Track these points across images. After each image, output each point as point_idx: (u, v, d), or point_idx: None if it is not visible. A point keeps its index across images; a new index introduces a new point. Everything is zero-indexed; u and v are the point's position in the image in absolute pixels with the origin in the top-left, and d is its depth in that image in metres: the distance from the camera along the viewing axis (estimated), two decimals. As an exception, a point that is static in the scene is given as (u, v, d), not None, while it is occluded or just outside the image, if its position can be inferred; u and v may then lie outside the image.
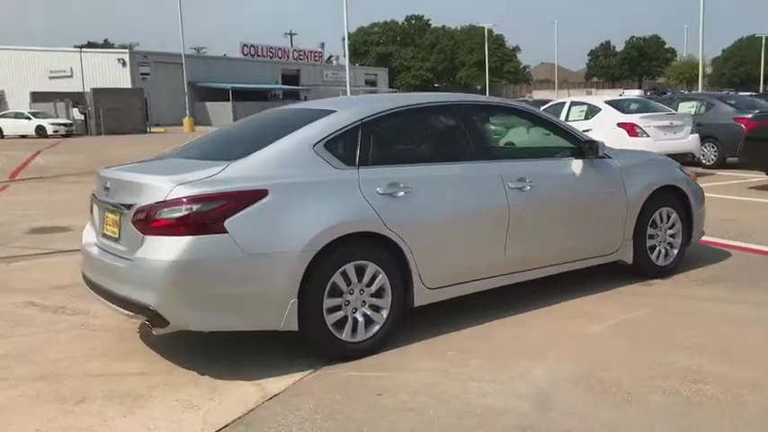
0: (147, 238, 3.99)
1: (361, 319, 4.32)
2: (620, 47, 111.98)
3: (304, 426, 3.46)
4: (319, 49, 77.70)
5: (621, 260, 5.72)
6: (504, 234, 4.90)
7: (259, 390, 3.90)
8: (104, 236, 4.52)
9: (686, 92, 52.96)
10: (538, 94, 76.29)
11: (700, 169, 13.61)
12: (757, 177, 12.35)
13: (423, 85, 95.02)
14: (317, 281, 4.11)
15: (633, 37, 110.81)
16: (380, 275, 4.34)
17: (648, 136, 12.84)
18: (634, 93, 54.32)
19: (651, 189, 5.73)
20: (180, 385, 3.99)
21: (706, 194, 6.45)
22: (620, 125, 13.29)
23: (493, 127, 6.36)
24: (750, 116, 13.52)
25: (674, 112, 14.60)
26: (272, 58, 67.36)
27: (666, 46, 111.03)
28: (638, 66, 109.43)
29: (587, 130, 14.10)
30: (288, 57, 70.01)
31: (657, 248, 5.85)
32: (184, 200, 3.92)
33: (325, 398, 3.78)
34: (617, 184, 5.58)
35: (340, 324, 4.24)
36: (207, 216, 3.91)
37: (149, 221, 3.97)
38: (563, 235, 5.29)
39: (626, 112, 13.81)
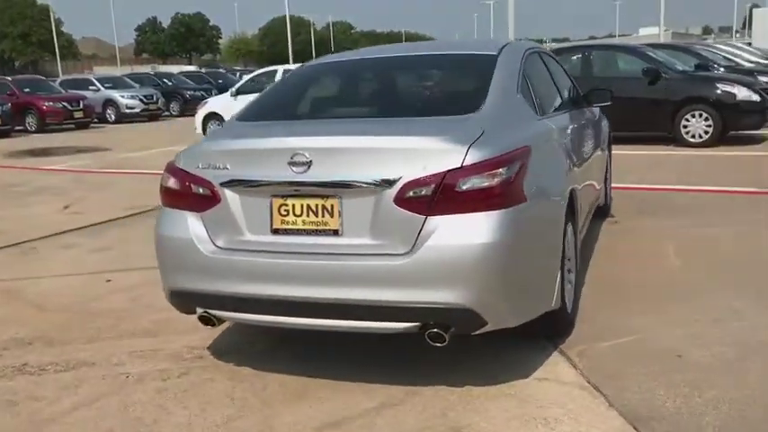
0: (434, 220, 2.97)
1: (569, 285, 3.83)
2: (167, 23, 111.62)
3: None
4: None
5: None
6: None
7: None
8: (286, 231, 3.20)
9: (245, 68, 54.94)
10: (98, 70, 71.08)
11: None
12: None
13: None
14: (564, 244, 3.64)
15: (178, 13, 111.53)
16: (569, 230, 3.82)
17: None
18: (189, 68, 54.38)
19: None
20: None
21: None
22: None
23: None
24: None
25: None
26: None
27: (211, 23, 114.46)
28: (186, 42, 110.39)
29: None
30: None
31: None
32: (488, 164, 2.98)
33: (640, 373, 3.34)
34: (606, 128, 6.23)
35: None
36: (512, 183, 3.05)
37: (442, 197, 2.95)
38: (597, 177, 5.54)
39: None
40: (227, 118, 15.07)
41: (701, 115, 10.97)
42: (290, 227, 3.18)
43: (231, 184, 3.23)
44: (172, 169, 3.47)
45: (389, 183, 2.99)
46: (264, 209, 3.21)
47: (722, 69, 13.67)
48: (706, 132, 10.99)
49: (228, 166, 3.24)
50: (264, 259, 3.19)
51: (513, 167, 3.05)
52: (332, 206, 3.10)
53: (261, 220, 3.23)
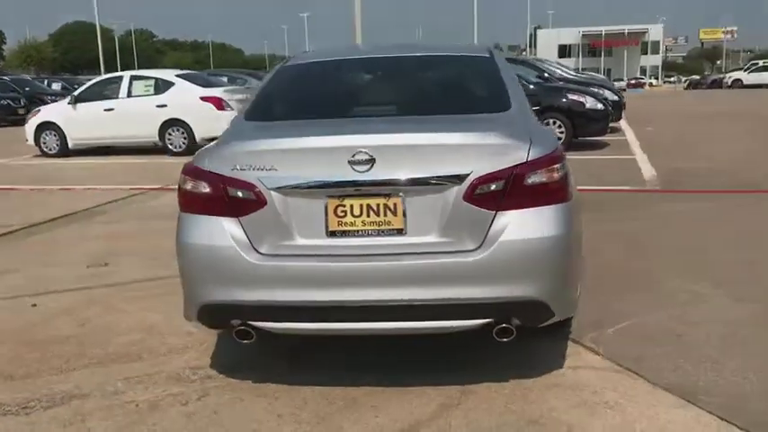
0: (505, 215, 2.97)
1: None
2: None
3: None
4: None
5: None
6: None
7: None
8: (343, 233, 3.03)
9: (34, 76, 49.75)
10: None
11: (169, 158, 13.04)
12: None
13: None
14: None
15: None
16: None
17: (233, 109, 12.82)
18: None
19: None
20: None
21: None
22: (204, 99, 12.90)
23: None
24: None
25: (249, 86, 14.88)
26: None
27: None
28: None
29: (163, 105, 13.24)
30: None
31: None
32: (547, 160, 3.05)
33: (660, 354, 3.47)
34: None
35: None
36: (566, 178, 3.13)
37: (511, 191, 2.97)
38: None
39: (204, 86, 13.40)
40: (65, 127, 13.89)
41: (554, 122, 11.88)
42: (348, 228, 3.03)
43: (282, 185, 3.02)
44: (197, 172, 3.15)
45: (459, 179, 2.95)
46: (318, 211, 3.03)
47: (561, 81, 14.89)
48: (559, 138, 11.89)
49: (277, 167, 3.02)
50: (321, 263, 3.01)
51: (565, 163, 3.15)
52: (395, 205, 3.00)
53: (314, 222, 3.04)
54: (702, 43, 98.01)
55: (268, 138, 3.16)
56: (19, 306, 4.71)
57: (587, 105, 11.86)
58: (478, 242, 2.98)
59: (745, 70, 52.20)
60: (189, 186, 3.19)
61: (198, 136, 13.10)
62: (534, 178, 3.00)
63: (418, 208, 3.00)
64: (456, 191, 2.96)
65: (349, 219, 3.02)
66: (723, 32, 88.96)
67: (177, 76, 13.84)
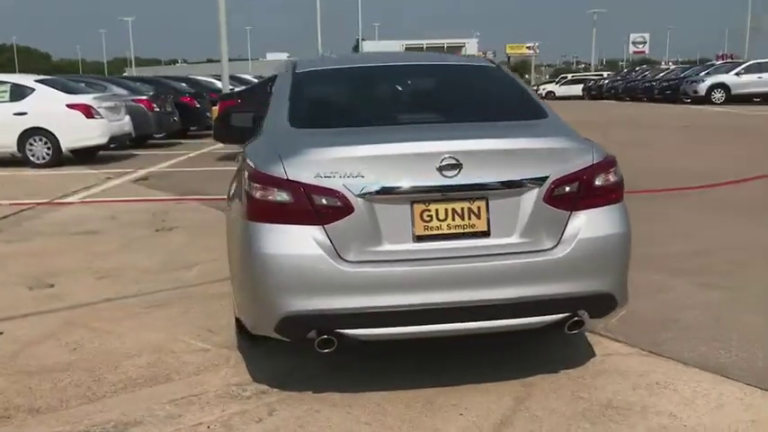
0: (579, 215, 3.18)
1: None
2: None
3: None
4: None
5: None
6: None
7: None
8: (430, 237, 3.09)
9: None
10: None
11: (31, 170, 12.27)
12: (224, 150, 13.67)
13: None
14: None
15: None
16: None
17: (102, 117, 11.98)
18: None
19: None
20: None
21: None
22: (71, 106, 11.87)
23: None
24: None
25: (120, 93, 13.89)
26: None
27: None
28: None
29: (23, 113, 12.09)
30: None
31: None
32: (608, 162, 3.30)
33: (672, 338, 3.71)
34: None
35: None
36: (622, 179, 3.38)
37: (584, 192, 3.18)
38: None
39: (69, 92, 12.31)
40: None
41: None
42: (434, 232, 3.08)
43: (369, 192, 3.02)
44: (274, 180, 3.05)
45: (540, 181, 3.12)
46: (404, 216, 3.06)
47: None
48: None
49: (364, 174, 3.01)
50: (410, 268, 3.04)
51: (618, 166, 3.41)
52: (479, 208, 3.10)
53: (400, 227, 3.06)
54: (509, 57, 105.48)
55: (353, 145, 3.13)
56: (-19, 335, 4.22)
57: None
58: (555, 241, 3.16)
59: (557, 83, 56.82)
60: (265, 195, 3.08)
61: (64, 146, 12.17)
62: (600, 180, 3.23)
63: (501, 210, 3.12)
64: (536, 193, 3.12)
65: (435, 223, 3.09)
66: (527, 48, 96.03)
67: (37, 81, 12.70)
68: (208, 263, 5.70)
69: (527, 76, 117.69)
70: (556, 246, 3.16)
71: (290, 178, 3.04)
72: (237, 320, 3.81)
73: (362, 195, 3.02)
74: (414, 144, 3.11)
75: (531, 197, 3.13)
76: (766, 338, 3.89)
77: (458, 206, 3.10)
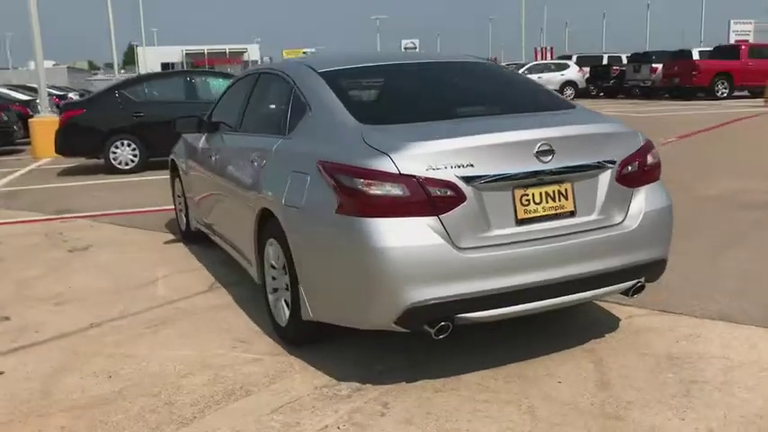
0: (639, 191, 3.61)
1: None
2: None
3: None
4: None
5: None
6: None
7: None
8: (529, 220, 3.33)
9: None
10: None
11: None
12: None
13: None
14: None
15: None
16: None
17: None
18: None
19: None
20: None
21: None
22: None
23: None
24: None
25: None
26: None
27: None
28: None
29: None
30: None
31: None
32: (649, 144, 3.76)
33: (687, 304, 4.17)
34: None
35: None
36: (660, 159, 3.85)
37: (641, 171, 3.62)
38: None
39: None
40: None
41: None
42: (532, 215, 3.31)
43: (479, 180, 3.16)
44: (385, 175, 3.09)
45: (612, 163, 3.48)
46: (506, 201, 3.26)
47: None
48: None
49: (473, 164, 3.16)
50: (516, 250, 3.25)
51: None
52: (566, 190, 3.38)
53: (504, 212, 3.26)
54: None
55: (459, 136, 3.24)
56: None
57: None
58: (623, 216, 3.54)
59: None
60: (376, 190, 3.11)
61: None
62: (649, 159, 3.68)
63: (583, 191, 3.43)
64: (610, 173, 3.49)
65: (532, 206, 3.32)
66: (303, 53, 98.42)
67: None
68: (167, 277, 5.40)
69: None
70: (624, 220, 3.53)
71: (402, 172, 3.11)
72: (279, 327, 3.96)
73: (473, 184, 3.18)
74: (514, 133, 3.32)
75: (605, 177, 3.48)
76: (740, 287, 4.58)
77: (550, 189, 3.36)
